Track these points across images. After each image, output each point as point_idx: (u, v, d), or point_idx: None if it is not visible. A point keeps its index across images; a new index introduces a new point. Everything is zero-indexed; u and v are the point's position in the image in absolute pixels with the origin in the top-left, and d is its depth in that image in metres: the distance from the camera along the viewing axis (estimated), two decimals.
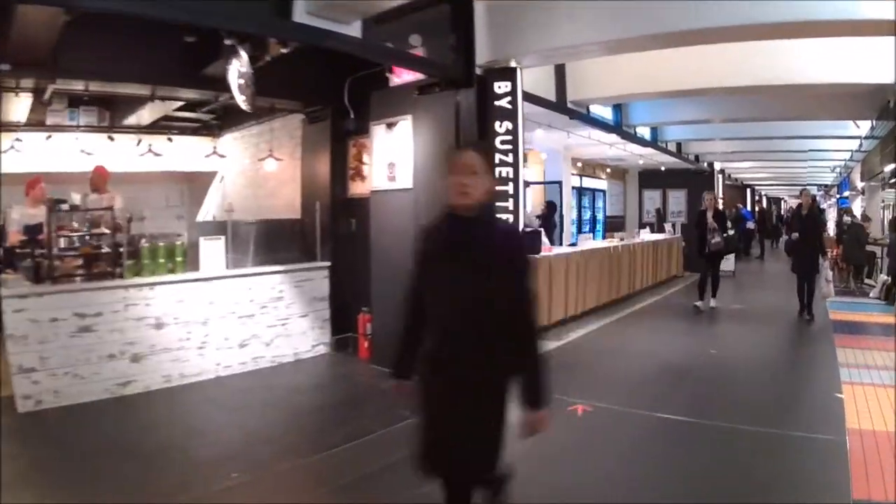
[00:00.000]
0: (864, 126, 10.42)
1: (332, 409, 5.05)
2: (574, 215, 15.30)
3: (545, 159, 13.67)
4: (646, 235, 13.17)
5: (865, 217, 13.38)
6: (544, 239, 9.02)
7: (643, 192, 17.38)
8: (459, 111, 5.37)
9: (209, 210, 9.96)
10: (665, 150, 12.54)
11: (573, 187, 15.27)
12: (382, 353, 5.77)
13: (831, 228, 20.15)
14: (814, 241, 8.73)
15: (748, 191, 25.21)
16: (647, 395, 5.27)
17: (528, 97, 6.21)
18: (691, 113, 9.89)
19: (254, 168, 8.71)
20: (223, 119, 9.36)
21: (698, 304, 9.54)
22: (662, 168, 15.74)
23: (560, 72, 7.94)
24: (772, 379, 5.96)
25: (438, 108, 5.51)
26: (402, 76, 5.81)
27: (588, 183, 16.00)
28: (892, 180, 13.65)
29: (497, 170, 5.48)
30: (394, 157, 5.92)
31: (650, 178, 17.12)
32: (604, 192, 16.70)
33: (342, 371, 6.18)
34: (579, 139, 11.49)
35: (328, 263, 6.57)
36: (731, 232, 9.43)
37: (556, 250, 8.92)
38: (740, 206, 20.81)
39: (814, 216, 8.94)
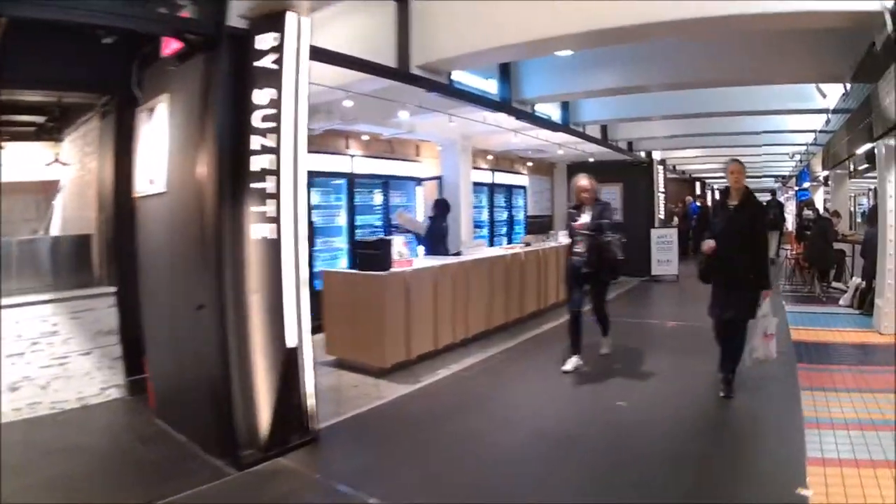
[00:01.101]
0: (833, 95, 7.82)
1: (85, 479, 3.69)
2: (486, 216, 12.53)
3: (441, 151, 10.88)
4: (563, 238, 10.43)
5: (834, 212, 10.92)
6: (400, 250, 6.51)
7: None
8: (211, 82, 3.95)
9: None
10: (584, 135, 9.81)
11: (482, 183, 12.52)
12: (167, 404, 4.66)
13: (791, 223, 17.93)
14: (754, 258, 4.85)
15: (697, 185, 22.93)
16: (509, 482, 3.56)
17: (332, 57, 4.84)
18: (615, 77, 7.14)
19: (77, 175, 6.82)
20: (61, 121, 7.03)
21: (566, 367, 5.93)
22: (591, 160, 13.09)
23: (403, 25, 5.58)
24: (701, 460, 3.90)
25: (189, 80, 4.15)
26: (170, 44, 4.28)
27: (504, 178, 13.26)
28: (865, 166, 11.23)
29: (252, 158, 3.96)
30: (152, 151, 4.67)
31: (580, 171, 14.43)
32: (524, 188, 13.97)
33: (120, 422, 4.90)
34: (478, 126, 8.91)
35: (114, 289, 5.45)
36: (612, 237, 5.86)
37: (421, 263, 6.85)
38: (689, 199, 18.39)
39: (755, 211, 4.98)
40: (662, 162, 14.29)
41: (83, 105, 5.85)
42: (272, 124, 3.90)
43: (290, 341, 3.97)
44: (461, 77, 6.83)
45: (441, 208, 9.46)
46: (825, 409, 4.63)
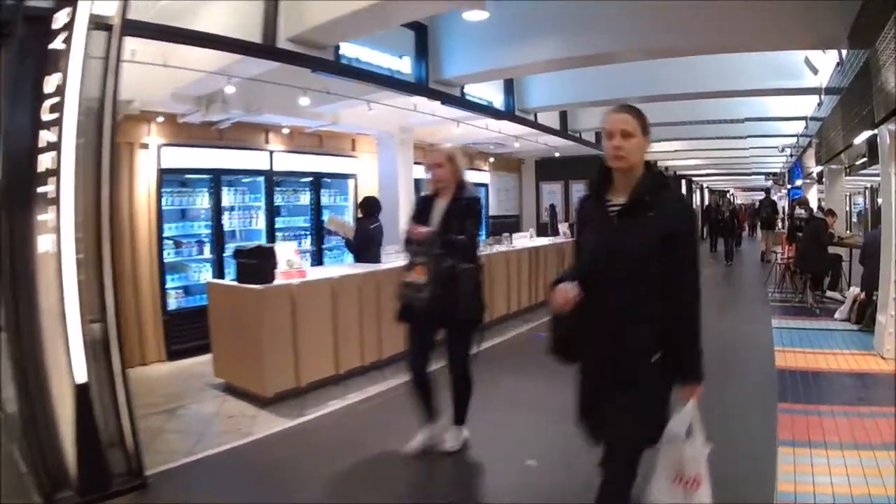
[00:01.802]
0: (826, 70, 6.49)
1: None
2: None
3: (378, 144, 9.58)
4: (522, 241, 9.21)
5: (829, 211, 9.58)
6: (290, 258, 5.41)
7: (541, 185, 13.42)
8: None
9: None
10: (534, 125, 8.46)
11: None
12: None
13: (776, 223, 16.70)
14: (665, 314, 2.24)
15: (683, 182, 21.59)
16: None
17: (155, 32, 3.94)
18: (558, 45, 5.72)
19: None
20: None
21: (410, 447, 3.85)
22: (556, 154, 11.78)
23: None
24: None
25: None
26: None
27: None
28: (862, 160, 9.91)
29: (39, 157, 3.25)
30: None
31: (549, 168, 13.24)
32: (485, 186, 12.62)
33: None
34: (416, 116, 7.94)
35: None
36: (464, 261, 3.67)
37: (318, 274, 5.77)
38: None
39: (668, 218, 2.19)
40: None
41: None
42: (56, 115, 3.21)
43: (79, 376, 3.27)
44: (356, 52, 5.54)
45: (368, 209, 8.09)
46: (808, 479, 3.27)
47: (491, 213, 12.81)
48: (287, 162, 8.54)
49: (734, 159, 15.49)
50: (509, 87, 7.64)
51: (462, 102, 6.91)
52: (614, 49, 5.51)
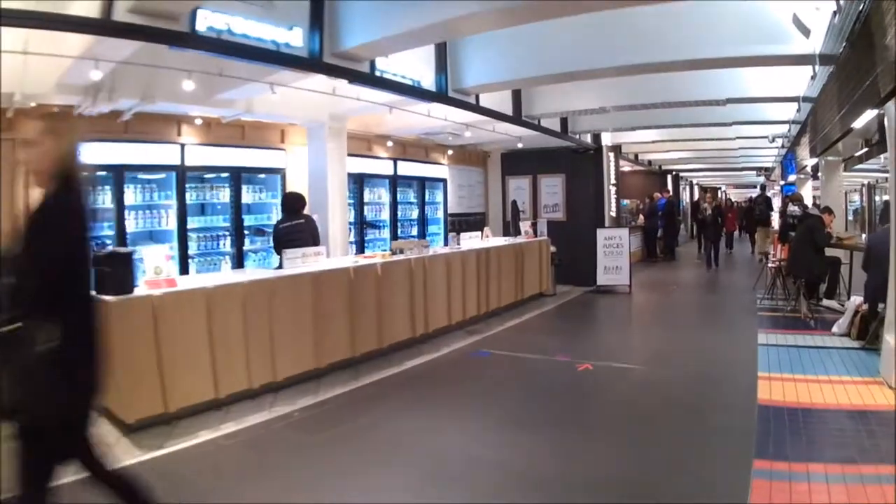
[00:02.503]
0: (820, 28, 5.25)
1: None
2: (386, 214, 9.96)
3: (308, 135, 8.39)
4: (472, 241, 7.98)
5: (825, 208, 8.35)
6: (157, 265, 4.62)
7: (507, 180, 12.17)
8: None
9: None
10: (475, 108, 7.21)
11: (381, 176, 9.96)
12: None
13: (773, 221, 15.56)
14: None
15: (669, 178, 20.38)
16: None
17: None
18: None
19: None
20: None
21: None
22: (520, 145, 10.54)
23: None
24: None
25: None
26: None
27: (413, 169, 10.67)
28: (864, 150, 8.76)
29: None
30: None
31: (516, 161, 11.99)
32: (443, 181, 11.37)
33: None
34: (347, 103, 6.96)
35: None
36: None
37: (192, 283, 4.85)
38: (658, 196, 15.86)
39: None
40: (615, 149, 11.72)
41: None
42: None
43: None
44: (227, 22, 4.36)
45: (289, 205, 6.90)
46: None
47: (451, 210, 11.56)
48: (202, 156, 7.60)
49: (721, 151, 14.24)
50: (441, 62, 6.38)
51: (373, 80, 5.66)
52: None
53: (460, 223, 11.66)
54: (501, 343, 6.77)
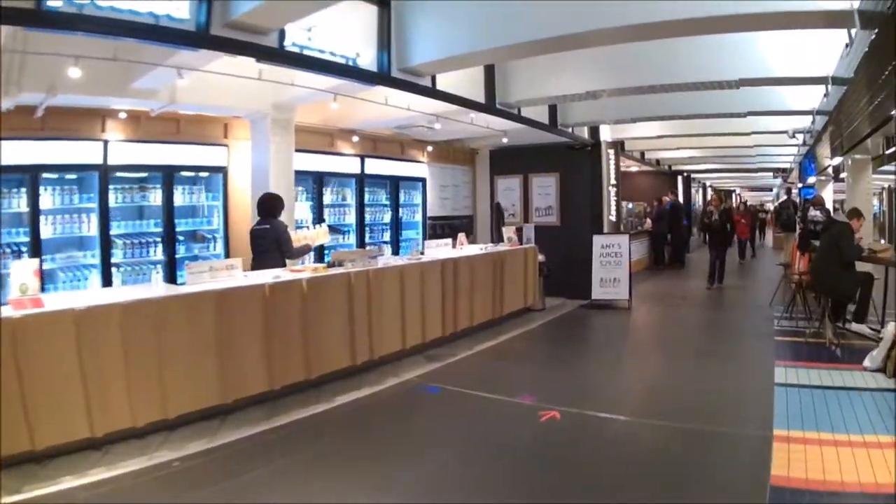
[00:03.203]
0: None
1: None
2: (352, 218, 8.86)
3: (252, 128, 7.39)
4: (439, 250, 6.88)
5: (853, 211, 7.00)
6: (24, 282, 3.87)
7: (496, 179, 11.02)
8: None
9: None
10: (434, 93, 6.07)
11: (346, 174, 8.88)
12: None
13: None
14: None
15: (679, 179, 19.03)
16: None
17: None
18: None
19: None
20: None
21: None
22: (505, 140, 9.41)
23: None
24: None
25: None
26: None
27: (385, 168, 9.57)
28: (893, 149, 7.56)
29: None
30: None
31: (505, 159, 10.84)
32: (422, 181, 10.25)
33: None
34: (293, 90, 6.05)
35: None
36: None
37: (60, 304, 3.89)
38: (668, 198, 14.60)
39: None
40: (616, 145, 10.49)
41: None
42: None
43: None
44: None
45: (260, 207, 6.21)
46: None
47: (431, 213, 10.43)
48: (129, 153, 6.66)
49: (735, 150, 12.94)
50: (383, 34, 5.24)
51: (283, 56, 4.56)
52: None
53: (443, 227, 10.54)
54: (460, 374, 5.64)
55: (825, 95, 6.54)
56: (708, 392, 4.92)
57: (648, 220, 14.69)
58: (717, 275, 10.65)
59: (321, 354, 5.14)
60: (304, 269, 5.47)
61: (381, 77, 5.26)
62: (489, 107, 6.70)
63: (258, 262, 5.70)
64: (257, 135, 7.20)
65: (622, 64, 6.17)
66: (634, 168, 17.15)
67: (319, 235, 6.70)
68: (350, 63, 5.09)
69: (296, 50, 4.71)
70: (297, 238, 6.26)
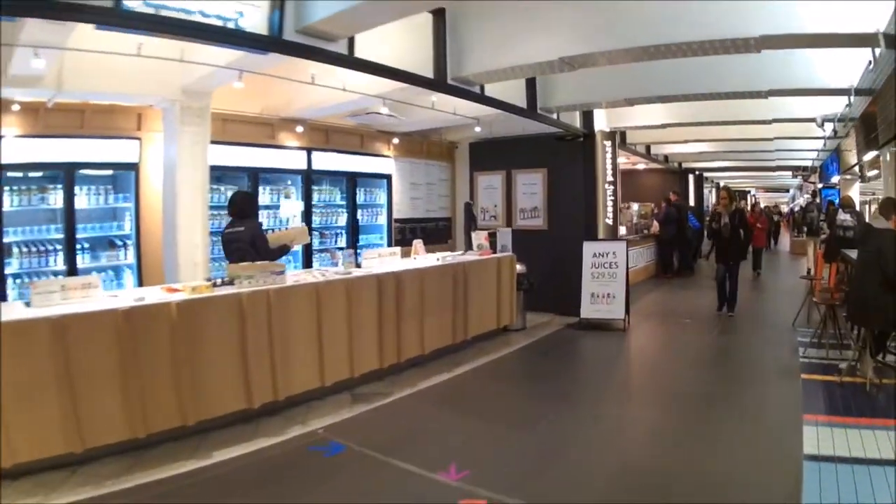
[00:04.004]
0: None
1: None
2: (297, 221, 7.56)
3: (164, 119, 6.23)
4: (382, 262, 5.60)
5: (888, 204, 5.45)
6: None
7: (476, 176, 9.67)
8: None
9: None
10: (352, 61, 4.72)
11: (290, 171, 7.66)
12: None
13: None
14: None
15: (690, 178, 17.51)
16: None
17: None
18: None
19: None
20: None
21: None
22: (477, 129, 8.11)
23: None
24: None
25: None
26: None
27: (338, 162, 8.29)
28: None
29: None
30: None
31: (487, 154, 9.51)
32: (387, 177, 8.94)
33: None
34: (201, 70, 5.17)
35: None
36: None
37: None
38: (673, 197, 13.13)
39: None
40: (613, 136, 9.04)
41: None
42: None
43: None
44: None
45: (231, 208, 5.23)
46: None
47: (399, 215, 9.13)
48: (26, 150, 5.69)
49: (753, 143, 11.45)
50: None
51: (121, 18, 3.32)
52: None
53: (414, 231, 9.25)
54: (383, 425, 4.35)
55: (870, 65, 5.09)
56: (709, 476, 3.51)
57: (655, 223, 13.23)
58: (728, 299, 8.34)
59: (201, 395, 3.97)
60: (181, 289, 4.20)
61: (268, 40, 3.97)
62: (438, 83, 5.34)
63: None
64: (168, 125, 6.04)
65: (609, 21, 4.79)
66: (641, 165, 15.72)
67: (299, 235, 5.69)
68: (232, 26, 3.82)
69: (149, 10, 3.47)
70: (276, 237, 5.42)
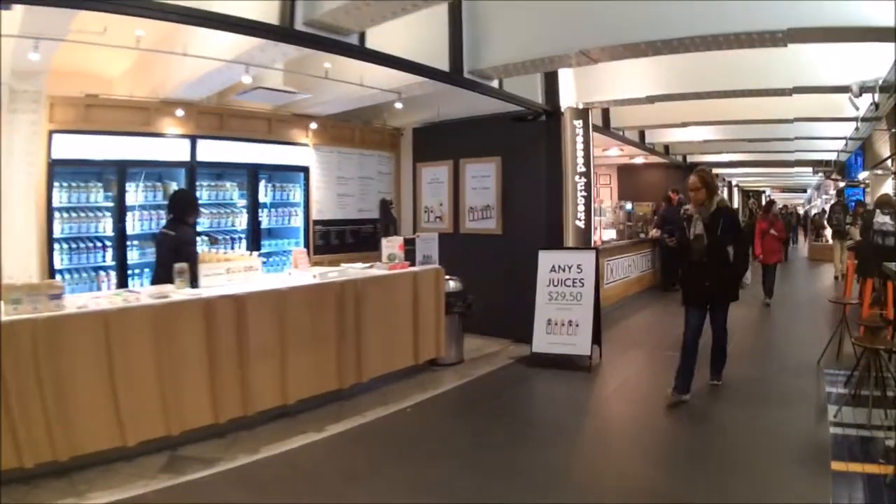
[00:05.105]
0: None
1: None
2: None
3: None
4: (225, 281, 3.79)
5: None
6: None
7: (419, 168, 7.87)
8: None
9: None
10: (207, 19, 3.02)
11: (167, 163, 6.01)
12: None
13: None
14: None
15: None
16: None
17: None
18: None
19: None
20: None
21: None
22: (399, 105, 6.37)
23: None
24: None
25: None
26: None
27: (234, 152, 6.56)
28: None
29: None
30: None
31: (432, 140, 7.73)
32: (303, 170, 7.16)
33: None
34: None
35: None
36: None
37: None
38: (674, 195, 11.21)
39: None
40: (587, 114, 7.07)
41: None
42: None
43: None
44: None
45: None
46: None
47: (320, 216, 7.35)
48: None
49: (768, 127, 9.43)
50: None
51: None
52: None
53: (341, 236, 7.50)
54: None
55: None
56: None
57: (655, 228, 11.28)
58: (715, 359, 4.99)
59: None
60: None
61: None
62: (359, 48, 3.53)
63: (155, 276, 4.66)
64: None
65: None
66: (640, 159, 13.77)
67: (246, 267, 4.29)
68: None
69: None
70: (214, 259, 4.30)
